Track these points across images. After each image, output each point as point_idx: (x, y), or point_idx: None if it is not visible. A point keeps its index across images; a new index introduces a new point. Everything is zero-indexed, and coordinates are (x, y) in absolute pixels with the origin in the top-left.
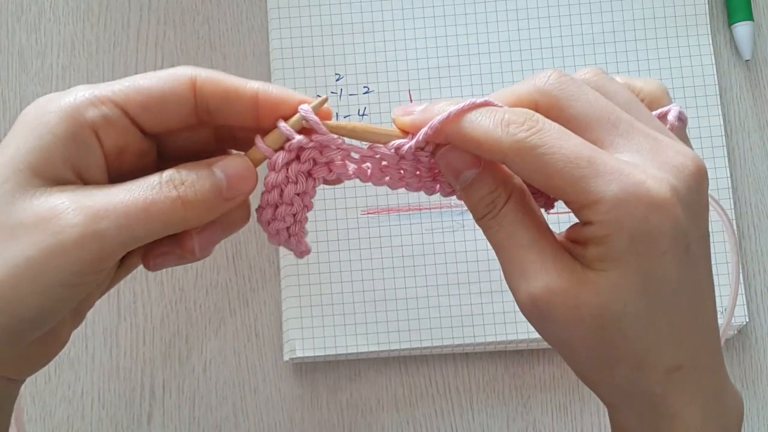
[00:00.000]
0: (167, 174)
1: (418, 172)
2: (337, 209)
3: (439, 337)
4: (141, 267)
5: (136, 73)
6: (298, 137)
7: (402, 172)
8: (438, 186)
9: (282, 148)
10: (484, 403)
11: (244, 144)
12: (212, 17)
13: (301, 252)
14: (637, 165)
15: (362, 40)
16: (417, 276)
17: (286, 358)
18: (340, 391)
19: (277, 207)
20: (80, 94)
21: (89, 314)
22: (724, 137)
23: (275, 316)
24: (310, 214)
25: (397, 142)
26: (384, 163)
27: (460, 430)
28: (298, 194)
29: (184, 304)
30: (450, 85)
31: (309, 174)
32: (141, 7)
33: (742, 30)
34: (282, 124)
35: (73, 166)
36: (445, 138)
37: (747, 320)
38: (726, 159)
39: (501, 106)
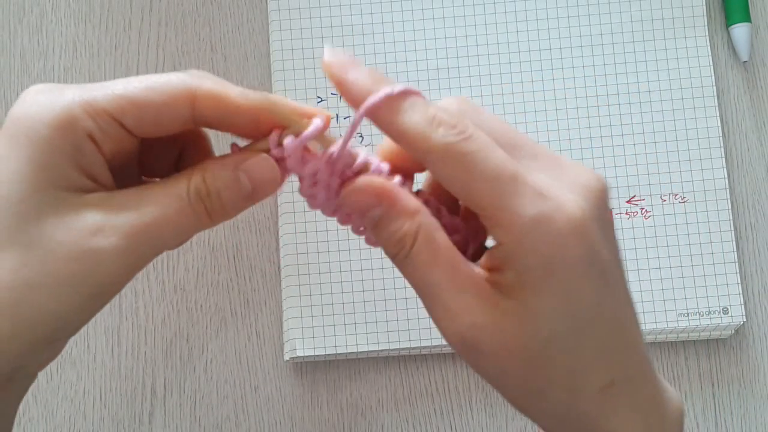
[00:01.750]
0: (194, 185)
1: (329, 187)
2: None
3: (439, 336)
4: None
5: (137, 75)
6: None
7: (316, 176)
8: (352, 219)
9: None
10: (483, 403)
11: None
12: (213, 19)
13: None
14: (554, 187)
15: (362, 42)
16: None
17: (286, 357)
18: (340, 391)
19: (312, 186)
20: (73, 101)
21: None
22: (721, 138)
23: (276, 315)
24: (311, 213)
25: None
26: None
27: (460, 430)
28: (315, 173)
29: (185, 303)
30: (449, 86)
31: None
32: (142, 9)
33: (740, 31)
34: (274, 139)
35: (85, 171)
36: (377, 119)
37: (744, 320)
38: (723, 160)
39: (428, 101)
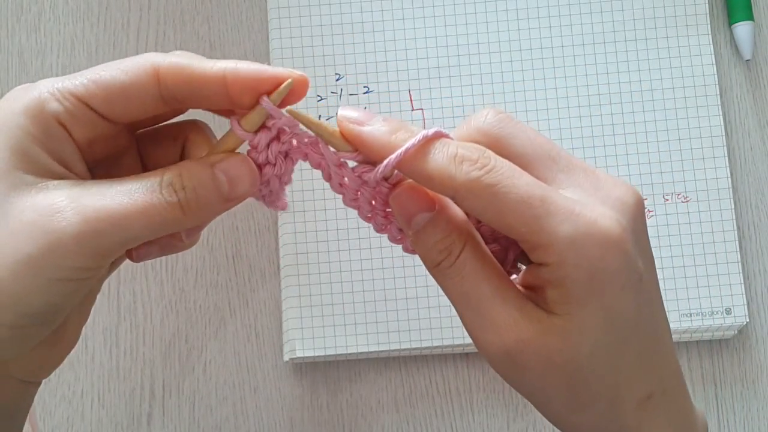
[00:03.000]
0: (167, 177)
1: (373, 202)
2: (337, 209)
3: (439, 337)
4: (140, 270)
5: None
6: (284, 116)
7: (358, 193)
8: (390, 227)
9: (262, 128)
10: (484, 404)
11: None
12: (212, 17)
13: (279, 208)
14: (585, 203)
15: (362, 40)
16: (417, 276)
17: (286, 358)
18: (340, 392)
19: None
20: (43, 89)
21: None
22: (724, 137)
23: (275, 316)
24: (311, 213)
25: (359, 166)
26: (346, 179)
27: (460, 431)
28: (276, 175)
29: (183, 304)
30: (450, 84)
31: (287, 154)
32: (141, 7)
33: (743, 30)
34: (265, 102)
35: (56, 157)
36: (404, 170)
37: (747, 320)
38: (726, 159)
39: (451, 138)
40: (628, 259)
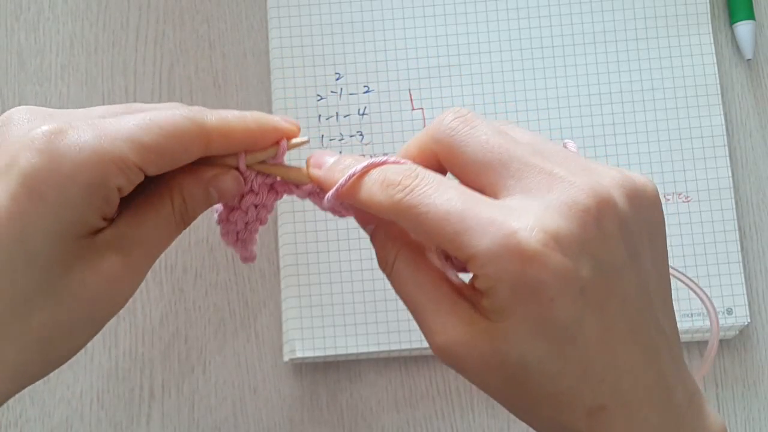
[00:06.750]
0: (178, 207)
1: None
2: None
3: None
4: None
5: (135, 73)
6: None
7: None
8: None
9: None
10: (485, 404)
11: None
12: (212, 16)
13: (245, 258)
14: (514, 211)
15: (362, 40)
16: None
17: (285, 358)
18: (340, 392)
19: (233, 210)
20: (103, 157)
21: None
22: (725, 137)
23: (275, 316)
24: (311, 213)
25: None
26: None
27: (461, 431)
28: (255, 205)
29: (183, 304)
30: (450, 84)
31: (272, 187)
32: (140, 6)
33: (744, 29)
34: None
35: (104, 216)
36: (345, 200)
37: (749, 320)
38: (727, 158)
39: (399, 162)
40: (555, 271)
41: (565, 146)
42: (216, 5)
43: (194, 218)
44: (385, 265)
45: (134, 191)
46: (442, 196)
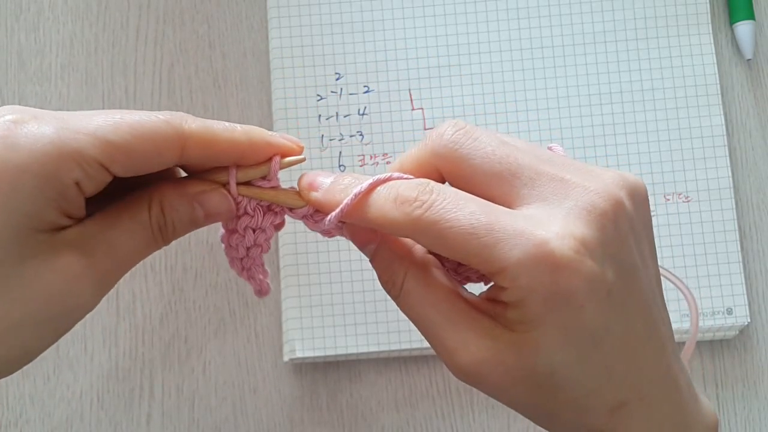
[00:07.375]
0: (155, 217)
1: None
2: None
3: None
4: (140, 270)
5: (135, 73)
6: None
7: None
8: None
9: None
10: (484, 404)
11: None
12: (212, 16)
13: (257, 291)
14: (540, 221)
15: (362, 40)
16: None
17: (285, 358)
18: (340, 392)
19: (232, 233)
20: (61, 150)
21: (88, 315)
22: (725, 137)
23: (275, 316)
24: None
25: (305, 214)
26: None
27: (461, 431)
28: (253, 229)
29: (183, 304)
30: (450, 84)
31: (268, 208)
32: (140, 6)
33: (744, 29)
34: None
35: (64, 212)
36: (351, 220)
37: (749, 320)
38: (727, 158)
39: (404, 177)
40: (586, 278)
41: (550, 149)
42: (216, 5)
43: (176, 235)
44: (392, 286)
45: (114, 197)
46: (464, 209)
